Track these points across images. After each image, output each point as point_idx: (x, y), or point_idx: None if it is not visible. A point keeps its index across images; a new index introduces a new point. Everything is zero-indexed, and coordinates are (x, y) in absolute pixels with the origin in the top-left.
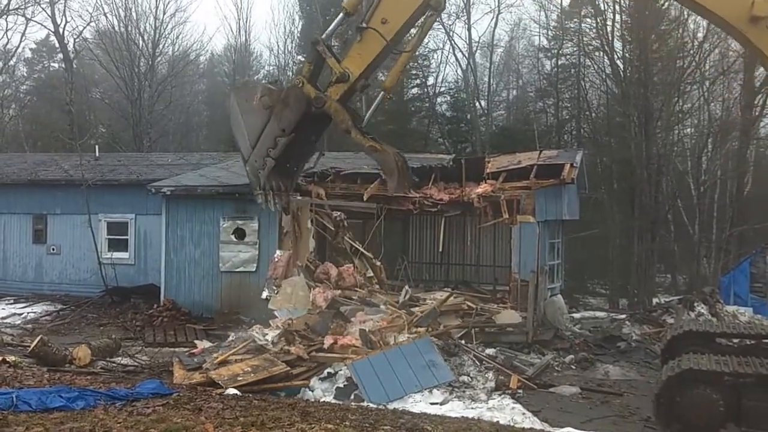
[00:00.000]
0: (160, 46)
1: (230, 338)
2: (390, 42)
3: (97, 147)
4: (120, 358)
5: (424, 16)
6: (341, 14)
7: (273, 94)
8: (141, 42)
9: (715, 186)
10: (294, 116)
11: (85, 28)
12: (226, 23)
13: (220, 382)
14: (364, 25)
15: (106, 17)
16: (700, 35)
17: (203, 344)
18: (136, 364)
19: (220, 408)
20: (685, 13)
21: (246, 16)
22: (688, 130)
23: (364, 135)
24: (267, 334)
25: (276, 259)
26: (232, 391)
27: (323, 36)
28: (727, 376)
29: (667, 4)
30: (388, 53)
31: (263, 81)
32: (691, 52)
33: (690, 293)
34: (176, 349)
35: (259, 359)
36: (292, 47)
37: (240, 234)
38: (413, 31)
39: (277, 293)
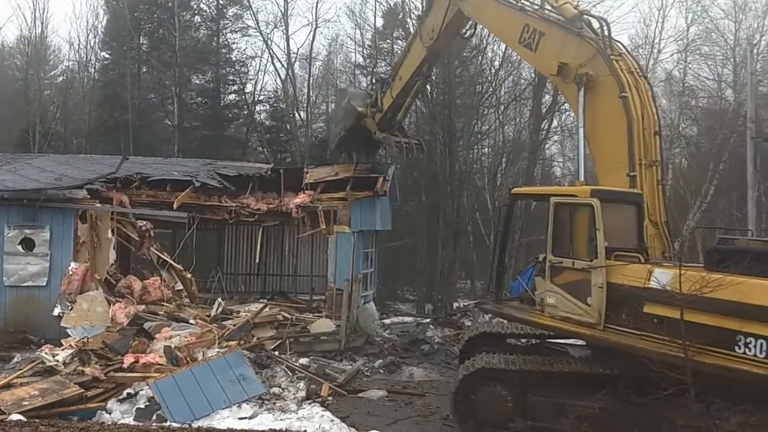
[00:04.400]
0: None
1: (15, 360)
2: (396, 97)
3: None
4: None
5: (416, 81)
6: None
7: (348, 104)
8: None
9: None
10: (347, 122)
11: None
12: (19, 13)
13: (2, 407)
14: (390, 79)
15: None
16: (496, 63)
17: None
18: None
19: None
20: (484, 41)
21: (43, 7)
22: (486, 149)
23: (381, 132)
24: (58, 354)
25: (71, 273)
26: (16, 416)
27: (385, 77)
28: (514, 374)
29: (468, 33)
30: (399, 99)
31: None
32: (489, 78)
33: (485, 297)
34: None
35: (49, 382)
36: (95, 42)
37: (28, 244)
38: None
39: (71, 309)
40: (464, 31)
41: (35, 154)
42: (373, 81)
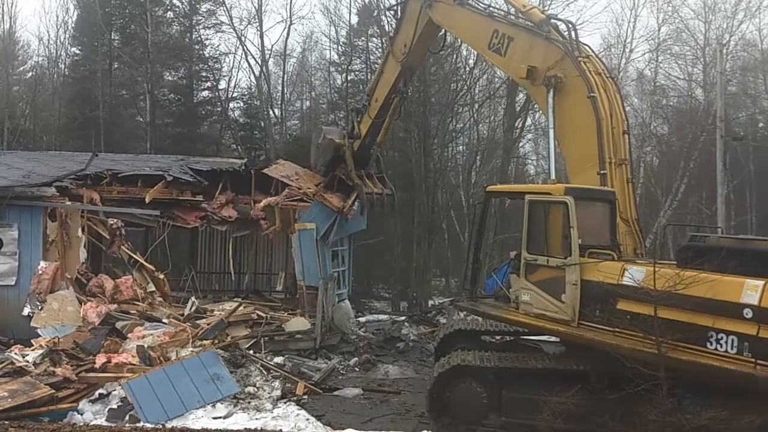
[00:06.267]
0: None
1: None
2: (374, 118)
3: None
4: None
5: (393, 98)
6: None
7: (324, 139)
8: None
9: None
10: (326, 157)
11: None
12: None
13: None
14: (366, 104)
15: None
16: (471, 61)
17: None
18: None
19: None
20: (459, 40)
21: (11, 1)
22: (460, 147)
23: (356, 174)
24: (28, 354)
25: (40, 272)
26: None
27: (359, 106)
28: (489, 371)
29: (443, 30)
30: (378, 122)
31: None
32: (463, 76)
33: (460, 295)
34: None
35: (18, 383)
36: (65, 38)
37: None
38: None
39: (41, 309)
40: (435, 47)
41: (3, 151)
42: (348, 111)
